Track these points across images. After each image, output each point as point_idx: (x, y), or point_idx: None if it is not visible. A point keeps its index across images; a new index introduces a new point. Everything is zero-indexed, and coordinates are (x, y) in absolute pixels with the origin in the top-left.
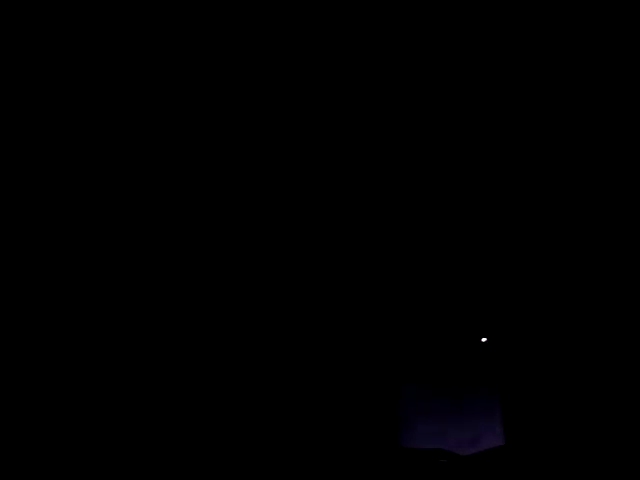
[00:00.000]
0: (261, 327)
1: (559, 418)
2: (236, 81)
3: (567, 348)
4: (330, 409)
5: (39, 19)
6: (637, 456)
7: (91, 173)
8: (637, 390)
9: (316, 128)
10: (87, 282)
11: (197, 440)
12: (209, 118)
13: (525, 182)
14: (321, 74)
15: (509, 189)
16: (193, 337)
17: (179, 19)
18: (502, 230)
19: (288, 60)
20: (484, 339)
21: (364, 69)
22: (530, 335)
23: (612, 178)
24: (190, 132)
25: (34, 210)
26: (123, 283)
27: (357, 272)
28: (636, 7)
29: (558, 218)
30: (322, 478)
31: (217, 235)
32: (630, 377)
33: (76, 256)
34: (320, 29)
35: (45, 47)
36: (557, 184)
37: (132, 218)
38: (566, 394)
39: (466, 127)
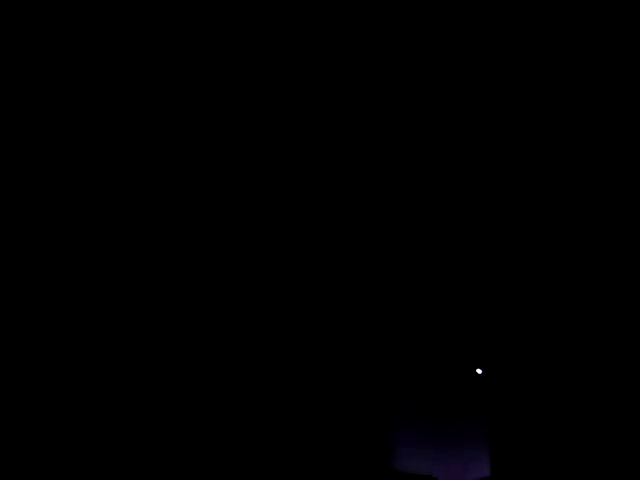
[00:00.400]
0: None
1: (548, 454)
2: (236, 81)
3: (561, 385)
4: (318, 430)
5: (39, 19)
6: None
7: (91, 173)
8: (628, 428)
9: (316, 128)
10: (87, 282)
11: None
12: (209, 118)
13: (523, 200)
14: (321, 74)
15: (505, 209)
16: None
17: (179, 19)
18: (502, 259)
19: (288, 60)
20: (479, 370)
21: (364, 69)
22: (524, 370)
23: (612, 179)
24: (190, 132)
25: (34, 210)
26: (123, 283)
27: (348, 295)
28: (636, 7)
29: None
30: None
31: (211, 235)
32: (619, 415)
33: (76, 256)
34: (320, 29)
35: (45, 47)
36: (555, 196)
37: (132, 218)
38: (557, 432)
39: (465, 127)
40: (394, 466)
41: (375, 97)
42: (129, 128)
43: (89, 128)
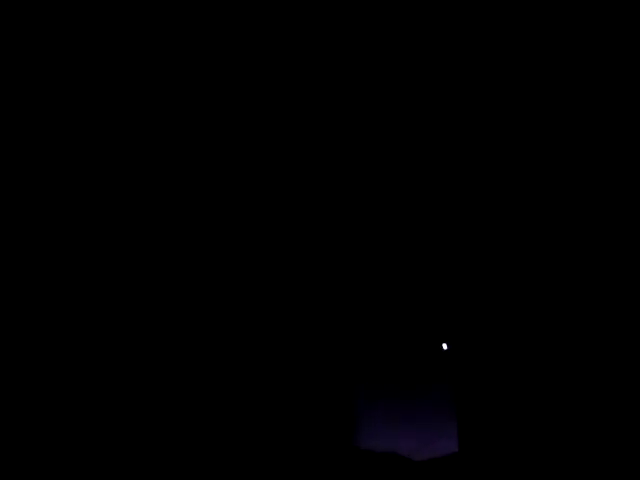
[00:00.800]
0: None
1: (516, 429)
2: (236, 81)
3: (527, 358)
4: (280, 410)
5: (39, 19)
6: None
7: (91, 173)
8: (589, 404)
9: (315, 128)
10: (86, 282)
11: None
12: (209, 118)
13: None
14: (321, 74)
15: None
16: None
17: (179, 19)
18: (463, 232)
19: (288, 60)
20: (445, 345)
21: (364, 69)
22: (491, 344)
23: (610, 179)
24: (190, 132)
25: (34, 210)
26: (122, 283)
27: (311, 267)
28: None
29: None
30: (270, 476)
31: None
32: (582, 389)
33: (76, 256)
34: (320, 29)
35: (45, 47)
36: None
37: (132, 218)
38: (525, 407)
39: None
40: (359, 445)
41: (374, 97)
42: (129, 128)
43: (89, 128)
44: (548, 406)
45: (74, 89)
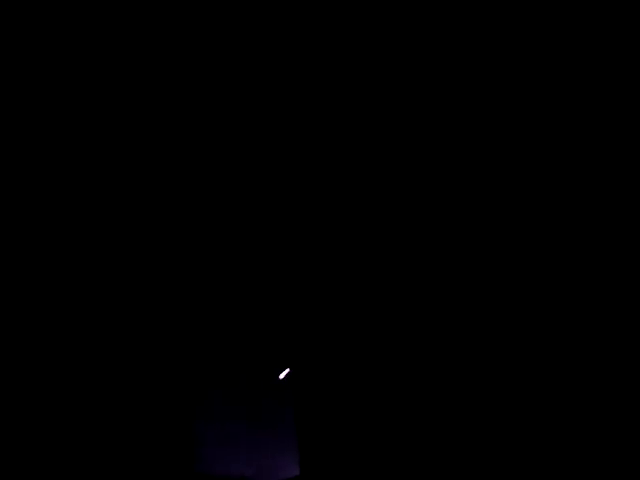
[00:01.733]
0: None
1: (356, 452)
2: (236, 81)
3: (368, 383)
4: (118, 434)
5: (40, 19)
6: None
7: (91, 173)
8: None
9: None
10: (86, 282)
11: None
12: (209, 118)
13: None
14: (321, 74)
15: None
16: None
17: (179, 19)
18: (304, 262)
19: (288, 60)
20: (284, 373)
21: (364, 69)
22: (331, 371)
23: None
24: (190, 132)
25: (34, 210)
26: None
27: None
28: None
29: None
30: None
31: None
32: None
33: (76, 256)
34: (320, 29)
35: (46, 47)
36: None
37: (132, 218)
38: (365, 430)
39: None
40: (201, 469)
41: (375, 98)
42: (129, 129)
43: (89, 129)
44: (389, 428)
45: (74, 90)
